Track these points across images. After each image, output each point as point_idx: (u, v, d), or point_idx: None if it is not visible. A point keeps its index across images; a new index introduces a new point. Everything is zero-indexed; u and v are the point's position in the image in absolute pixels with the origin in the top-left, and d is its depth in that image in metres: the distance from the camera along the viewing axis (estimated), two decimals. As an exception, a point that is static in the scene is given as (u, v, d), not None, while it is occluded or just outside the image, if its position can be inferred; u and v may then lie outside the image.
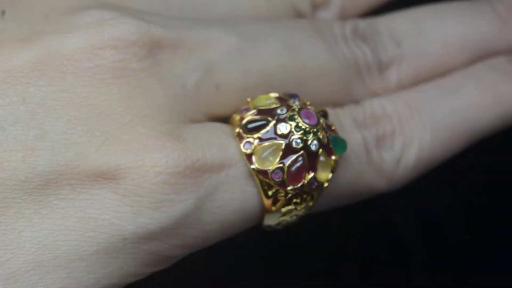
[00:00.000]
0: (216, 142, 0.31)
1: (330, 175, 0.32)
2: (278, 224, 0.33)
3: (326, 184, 0.32)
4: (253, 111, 0.32)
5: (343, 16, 0.38)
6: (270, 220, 0.32)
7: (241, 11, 0.36)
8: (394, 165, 0.34)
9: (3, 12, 0.31)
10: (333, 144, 0.32)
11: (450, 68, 0.37)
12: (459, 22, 0.37)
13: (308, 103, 0.33)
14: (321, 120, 0.32)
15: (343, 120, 0.34)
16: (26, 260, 0.28)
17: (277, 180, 0.31)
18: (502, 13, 0.38)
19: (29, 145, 0.29)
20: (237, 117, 0.32)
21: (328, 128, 0.33)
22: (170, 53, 0.31)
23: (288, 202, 0.32)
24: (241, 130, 0.31)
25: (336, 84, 0.35)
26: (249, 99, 0.33)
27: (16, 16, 0.31)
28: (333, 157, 0.32)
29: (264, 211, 0.32)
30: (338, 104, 0.35)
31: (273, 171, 0.31)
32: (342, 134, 0.33)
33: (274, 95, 0.33)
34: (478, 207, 0.47)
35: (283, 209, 0.32)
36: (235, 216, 0.31)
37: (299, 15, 0.37)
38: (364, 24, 0.37)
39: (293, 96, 0.33)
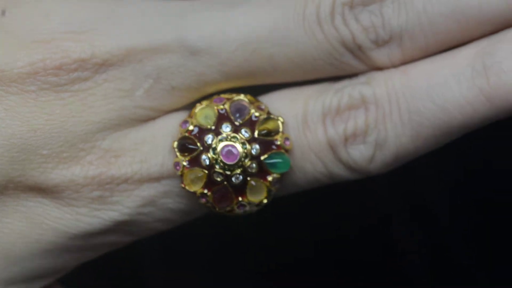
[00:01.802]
0: (155, 156, 0.33)
1: (264, 194, 0.32)
2: (236, 215, 0.34)
3: (265, 201, 0.32)
4: (191, 127, 0.32)
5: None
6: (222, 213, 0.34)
7: None
8: (365, 162, 0.33)
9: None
10: (269, 167, 0.32)
11: (464, 41, 0.32)
12: None
13: (256, 113, 0.32)
14: (250, 150, 0.32)
15: (308, 118, 0.33)
16: None
17: (204, 202, 0.32)
18: None
19: None
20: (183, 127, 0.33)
21: (268, 147, 0.32)
22: (119, 68, 0.32)
23: (230, 209, 0.33)
24: (176, 148, 0.32)
25: (316, 67, 0.33)
26: (197, 110, 0.33)
27: None
28: (269, 179, 0.32)
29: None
30: (330, 78, 0.33)
31: (200, 195, 0.32)
32: (300, 137, 0.33)
33: (221, 108, 0.32)
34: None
35: (228, 208, 0.33)
36: (181, 214, 0.34)
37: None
38: None
39: (239, 110, 0.32)
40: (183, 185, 0.32)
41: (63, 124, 0.32)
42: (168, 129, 0.33)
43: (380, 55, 0.33)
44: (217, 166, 0.32)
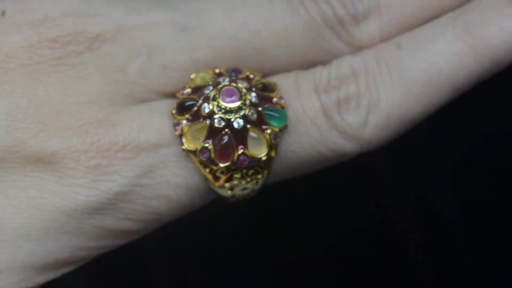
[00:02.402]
0: (152, 124, 0.33)
1: (265, 148, 0.32)
2: (233, 197, 0.33)
3: (264, 158, 0.32)
4: (188, 90, 0.33)
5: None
6: (221, 193, 0.33)
7: None
8: (360, 126, 0.33)
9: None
10: (269, 117, 0.32)
11: (439, 12, 0.34)
12: None
13: (251, 75, 0.33)
14: (249, 96, 0.32)
15: (301, 86, 0.34)
16: None
17: (204, 159, 0.32)
18: None
19: None
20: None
21: (266, 101, 0.33)
22: (111, 44, 0.33)
23: (229, 178, 0.33)
24: (174, 111, 0.33)
25: (302, 45, 0.34)
26: (192, 76, 0.34)
27: None
28: (268, 131, 0.32)
29: (209, 185, 0.33)
30: (312, 63, 0.35)
31: (200, 150, 0.32)
32: (295, 101, 0.33)
33: (217, 71, 0.33)
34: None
35: (227, 184, 0.33)
36: (180, 191, 0.33)
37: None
38: None
39: (235, 70, 0.33)
40: (183, 147, 0.32)
41: (59, 94, 0.32)
42: (165, 103, 0.33)
43: (361, 33, 0.34)
44: (217, 111, 0.32)
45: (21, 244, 0.32)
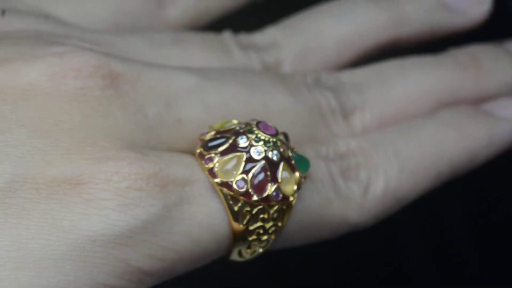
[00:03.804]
0: (179, 161, 0.32)
1: (295, 187, 0.32)
2: (249, 247, 0.33)
3: (292, 199, 0.32)
4: (213, 132, 0.33)
5: None
6: (240, 243, 0.32)
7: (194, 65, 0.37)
8: (361, 195, 0.35)
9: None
10: (295, 161, 0.33)
11: (413, 116, 0.38)
12: (422, 72, 0.39)
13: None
14: (281, 135, 0.33)
15: (306, 151, 0.35)
16: None
17: (241, 190, 0.31)
18: (464, 63, 0.39)
19: None
20: (197, 145, 0.33)
21: (289, 147, 0.33)
22: (131, 87, 0.33)
23: (255, 218, 0.32)
24: (202, 149, 0.32)
25: (299, 127, 0.36)
26: (209, 126, 0.34)
27: None
28: (297, 174, 0.32)
29: (231, 229, 0.32)
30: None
31: (237, 182, 0.31)
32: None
33: (235, 121, 0.34)
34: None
35: (251, 227, 0.32)
36: (202, 231, 0.31)
37: None
38: (326, 74, 0.38)
39: (253, 120, 0.34)
40: (216, 180, 0.31)
41: (83, 122, 0.31)
42: (181, 154, 0.33)
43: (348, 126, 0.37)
44: (255, 143, 0.32)
45: (41, 269, 0.29)
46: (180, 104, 0.34)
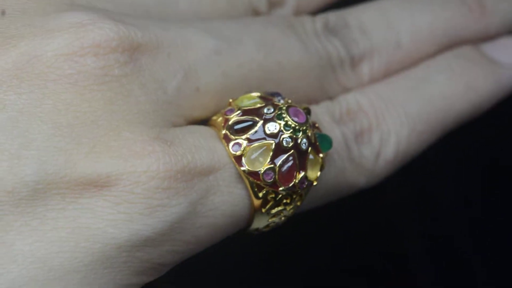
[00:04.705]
0: (203, 145, 0.30)
1: (319, 173, 0.32)
2: (267, 226, 0.32)
3: (315, 183, 0.31)
4: (238, 111, 0.31)
5: (298, 14, 0.38)
6: (259, 223, 0.32)
7: (203, 10, 0.35)
8: (373, 160, 0.35)
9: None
10: (319, 141, 0.32)
11: (420, 58, 0.37)
12: (428, 12, 0.37)
13: (289, 101, 0.32)
14: (309, 118, 0.32)
15: (321, 118, 0.34)
16: (20, 275, 0.27)
17: (268, 181, 0.30)
18: (469, 3, 0.38)
19: (15, 154, 0.27)
20: (219, 119, 0.32)
21: (313, 125, 0.32)
22: (151, 58, 0.31)
23: (278, 203, 0.31)
24: (228, 132, 0.31)
25: (311, 80, 0.35)
26: (231, 100, 0.32)
27: None
28: (321, 155, 0.32)
29: (253, 213, 0.31)
30: (313, 101, 0.35)
31: (265, 172, 0.30)
32: (323, 131, 0.33)
33: (256, 94, 0.32)
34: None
35: (273, 211, 0.31)
36: (225, 219, 0.31)
37: (256, 13, 0.37)
38: (334, 18, 0.37)
39: (275, 94, 0.32)
40: (243, 168, 0.30)
41: (106, 112, 0.29)
42: (202, 128, 0.31)
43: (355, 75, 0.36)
44: (285, 130, 0.31)
45: (67, 283, 0.27)
46: (199, 72, 0.32)
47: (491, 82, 0.37)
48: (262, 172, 0.30)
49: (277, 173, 0.30)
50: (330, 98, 0.36)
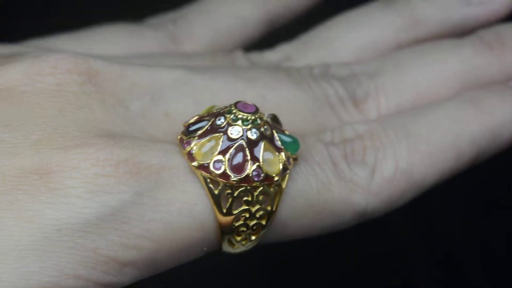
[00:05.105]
0: (158, 147, 0.31)
1: (280, 167, 0.31)
2: (238, 234, 0.31)
3: (277, 178, 0.31)
4: (196, 117, 0.32)
5: None
6: (226, 229, 0.31)
7: None
8: (368, 178, 0.33)
9: None
10: (282, 142, 0.31)
11: (436, 101, 0.36)
12: (442, 54, 0.37)
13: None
14: (262, 114, 0.31)
15: (306, 139, 0.33)
16: None
17: (218, 172, 0.30)
18: (488, 42, 0.37)
19: None
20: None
21: (277, 128, 0.32)
22: (112, 83, 0.32)
23: (238, 201, 0.30)
24: (182, 135, 0.31)
25: (304, 116, 0.35)
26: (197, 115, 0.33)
27: None
28: (283, 154, 0.31)
29: (216, 217, 0.30)
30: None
31: (213, 163, 0.30)
32: (302, 148, 0.33)
33: (221, 105, 0.32)
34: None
35: (235, 211, 0.30)
36: (182, 217, 0.30)
37: None
38: (337, 66, 0.37)
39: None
40: (194, 163, 0.30)
41: (57, 114, 0.31)
42: (165, 143, 0.32)
43: (361, 114, 0.35)
44: (233, 122, 0.31)
45: (3, 261, 0.28)
46: (166, 97, 0.33)
47: (509, 106, 0.35)
48: (211, 163, 0.30)
49: (226, 163, 0.30)
50: None
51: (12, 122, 0.30)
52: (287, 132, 0.32)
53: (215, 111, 0.32)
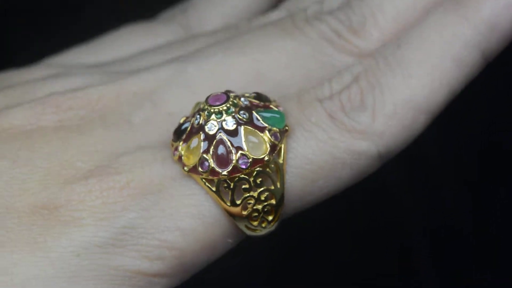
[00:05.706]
0: (155, 158, 0.32)
1: (266, 149, 0.31)
2: (253, 220, 0.32)
3: (267, 158, 0.31)
4: (183, 118, 0.33)
5: None
6: (238, 219, 0.31)
7: None
8: (369, 120, 0.32)
9: None
10: (265, 119, 0.31)
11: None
12: None
13: (246, 94, 0.33)
14: (239, 101, 0.32)
15: (302, 97, 0.33)
16: None
17: (205, 170, 0.31)
18: None
19: None
20: None
21: (259, 106, 0.32)
22: (114, 103, 0.34)
23: (238, 192, 0.31)
24: (172, 141, 0.32)
25: (302, 68, 0.34)
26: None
27: None
28: (267, 132, 0.31)
29: (225, 210, 0.31)
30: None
31: (200, 164, 0.31)
32: (295, 109, 0.33)
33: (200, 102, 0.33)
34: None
35: (238, 201, 0.31)
36: (194, 220, 0.31)
37: None
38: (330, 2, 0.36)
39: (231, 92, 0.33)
40: (185, 168, 0.31)
41: (61, 148, 0.33)
42: (161, 152, 0.33)
43: (364, 41, 0.34)
44: (207, 118, 0.31)
45: None
46: (166, 97, 0.34)
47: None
48: (198, 164, 0.31)
49: (210, 160, 0.31)
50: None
51: (20, 157, 0.32)
52: (273, 105, 0.32)
53: (195, 110, 0.32)
